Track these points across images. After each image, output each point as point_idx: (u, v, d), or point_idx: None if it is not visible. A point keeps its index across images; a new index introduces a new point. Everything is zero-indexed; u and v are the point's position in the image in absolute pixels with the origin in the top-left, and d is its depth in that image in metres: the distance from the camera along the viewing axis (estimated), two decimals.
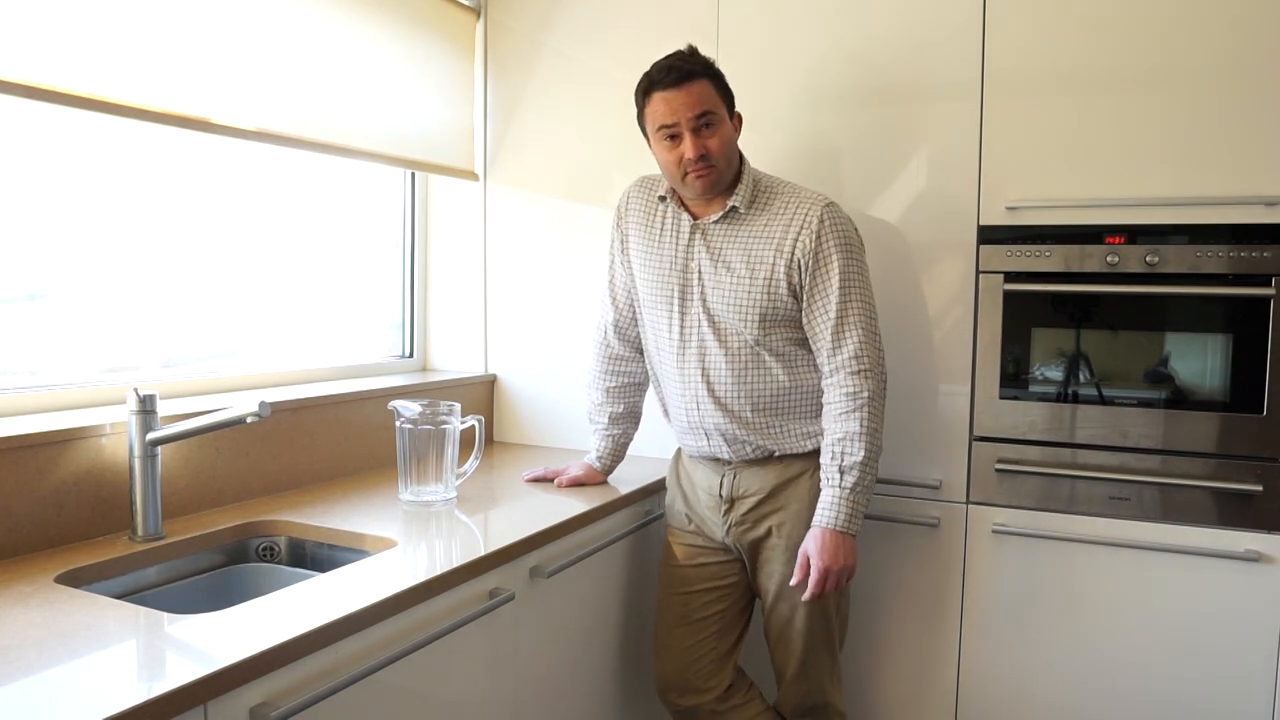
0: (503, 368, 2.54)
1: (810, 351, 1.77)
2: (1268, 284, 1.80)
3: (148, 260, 1.87)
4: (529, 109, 2.45)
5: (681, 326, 1.82)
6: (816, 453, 1.78)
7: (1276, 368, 1.80)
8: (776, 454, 1.79)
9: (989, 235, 1.99)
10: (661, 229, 1.86)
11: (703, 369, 1.79)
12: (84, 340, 1.77)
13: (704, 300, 1.78)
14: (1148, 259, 1.88)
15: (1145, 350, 1.91)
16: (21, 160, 1.64)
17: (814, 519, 1.70)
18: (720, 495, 1.83)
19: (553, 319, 2.46)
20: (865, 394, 1.70)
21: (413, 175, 2.57)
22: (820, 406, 1.78)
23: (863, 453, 1.68)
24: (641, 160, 2.30)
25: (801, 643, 1.81)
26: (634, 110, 2.33)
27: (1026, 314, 1.97)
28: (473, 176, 2.51)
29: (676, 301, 1.82)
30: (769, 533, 1.79)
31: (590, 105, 2.36)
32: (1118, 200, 1.89)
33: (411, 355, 2.59)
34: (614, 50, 2.32)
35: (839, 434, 1.70)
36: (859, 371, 1.70)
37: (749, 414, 1.77)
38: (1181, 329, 1.87)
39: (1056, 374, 1.97)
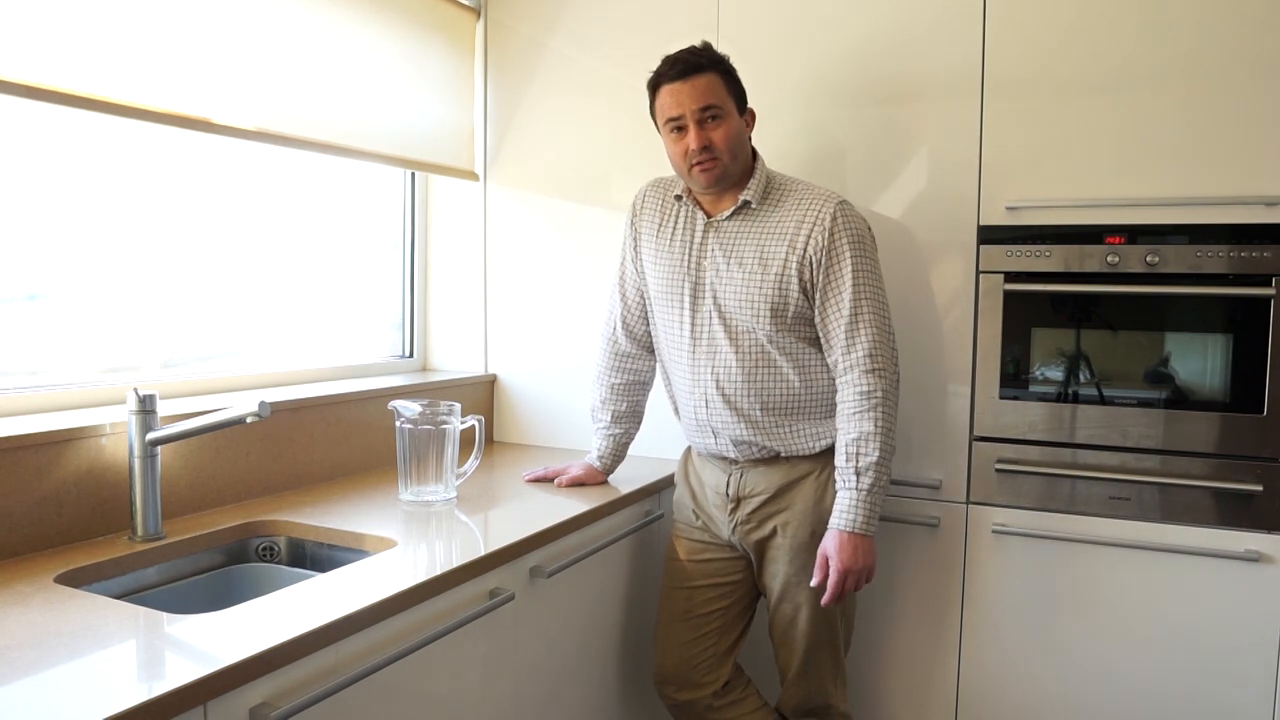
0: (503, 368, 2.54)
1: (822, 352, 1.77)
2: (1268, 284, 1.80)
3: (148, 260, 1.87)
4: (529, 109, 2.45)
5: (693, 325, 1.82)
6: (824, 453, 1.78)
7: (1277, 368, 1.80)
8: (784, 454, 1.79)
9: (989, 235, 1.99)
10: (675, 227, 1.87)
11: (713, 368, 1.79)
12: (84, 340, 1.77)
13: (715, 297, 1.79)
14: (1148, 259, 1.88)
15: (1145, 350, 1.91)
16: (21, 160, 1.64)
17: (831, 521, 1.70)
18: (727, 494, 1.83)
19: (553, 319, 2.46)
20: (879, 393, 1.69)
21: (413, 175, 2.57)
22: (830, 408, 1.78)
23: (877, 453, 1.68)
24: (641, 160, 2.31)
25: (804, 643, 1.81)
26: (634, 110, 2.33)
27: (1026, 314, 1.97)
28: (473, 176, 2.51)
29: (688, 299, 1.82)
30: (774, 532, 1.79)
31: (590, 105, 2.36)
32: (1118, 200, 1.89)
33: (411, 355, 2.59)
34: (614, 50, 2.32)
35: (853, 434, 1.69)
36: (873, 370, 1.70)
37: (758, 414, 1.77)
38: (1181, 329, 1.87)
39: (1057, 374, 1.97)
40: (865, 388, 1.70)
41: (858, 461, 1.68)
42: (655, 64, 2.33)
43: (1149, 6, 1.85)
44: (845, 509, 1.68)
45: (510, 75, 2.46)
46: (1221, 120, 1.81)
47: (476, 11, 2.49)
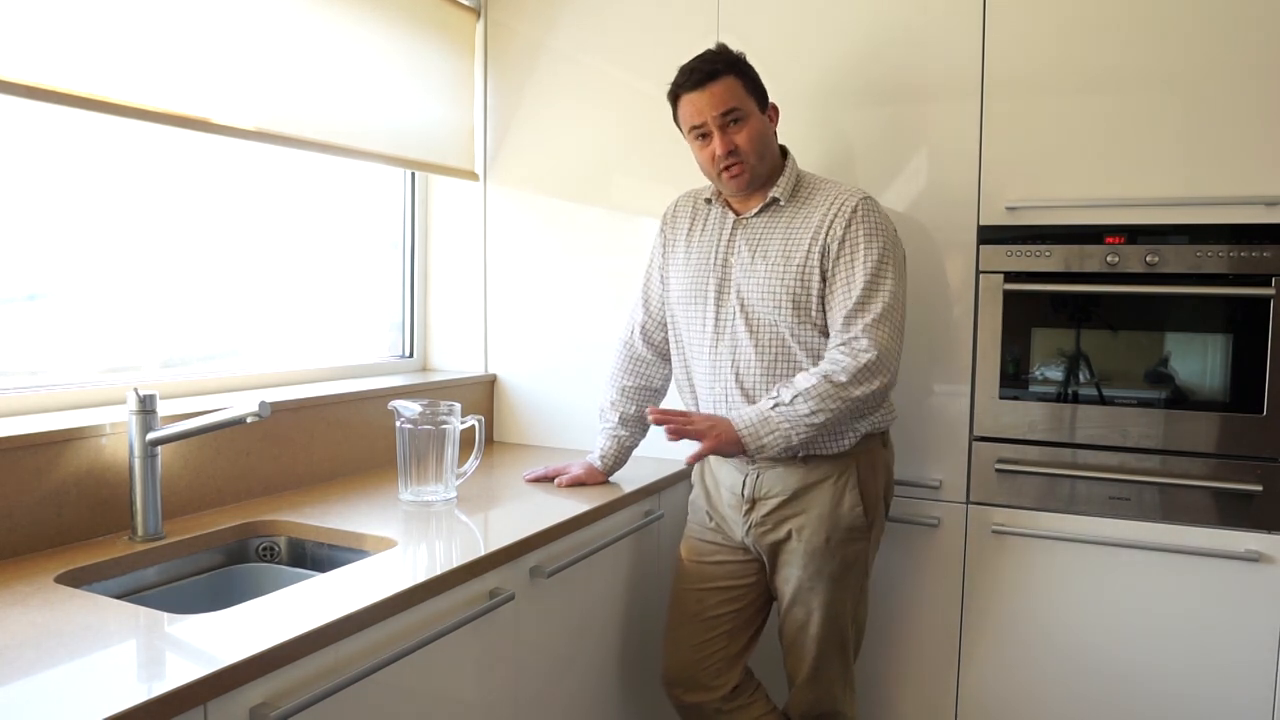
0: (503, 368, 2.54)
1: None
2: (1268, 284, 1.80)
3: (148, 260, 1.87)
4: (529, 109, 2.45)
5: (716, 320, 1.82)
6: (842, 456, 1.76)
7: (1277, 368, 1.80)
8: (801, 454, 1.77)
9: (989, 235, 1.99)
10: (704, 227, 1.88)
11: (733, 361, 1.79)
12: (84, 340, 1.77)
13: (739, 290, 1.79)
14: (1148, 259, 1.88)
15: (1145, 350, 1.91)
16: (22, 160, 1.64)
17: (734, 422, 1.67)
18: (742, 495, 1.82)
19: (553, 319, 2.46)
20: (855, 380, 1.64)
21: (413, 175, 2.57)
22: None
23: (816, 414, 1.63)
24: (641, 160, 2.31)
25: (814, 648, 1.80)
26: (634, 110, 2.33)
27: (1026, 314, 1.97)
28: (473, 176, 2.51)
29: (713, 295, 1.82)
30: (788, 536, 1.78)
31: (590, 105, 2.36)
32: (1118, 200, 1.89)
33: (411, 355, 2.59)
34: (614, 50, 2.32)
35: (800, 387, 1.65)
36: (865, 361, 1.65)
37: None
38: (1181, 329, 1.87)
39: (1056, 374, 1.97)
40: (843, 366, 1.65)
41: (779, 395, 1.67)
42: (655, 63, 2.33)
43: (1149, 7, 1.85)
44: (753, 418, 1.66)
45: (510, 75, 2.46)
46: (1221, 120, 1.81)
47: (476, 11, 2.49)
